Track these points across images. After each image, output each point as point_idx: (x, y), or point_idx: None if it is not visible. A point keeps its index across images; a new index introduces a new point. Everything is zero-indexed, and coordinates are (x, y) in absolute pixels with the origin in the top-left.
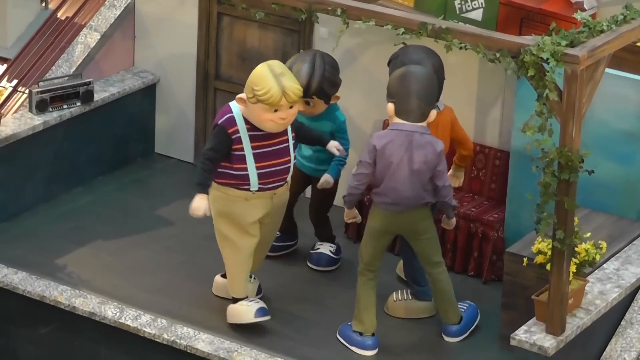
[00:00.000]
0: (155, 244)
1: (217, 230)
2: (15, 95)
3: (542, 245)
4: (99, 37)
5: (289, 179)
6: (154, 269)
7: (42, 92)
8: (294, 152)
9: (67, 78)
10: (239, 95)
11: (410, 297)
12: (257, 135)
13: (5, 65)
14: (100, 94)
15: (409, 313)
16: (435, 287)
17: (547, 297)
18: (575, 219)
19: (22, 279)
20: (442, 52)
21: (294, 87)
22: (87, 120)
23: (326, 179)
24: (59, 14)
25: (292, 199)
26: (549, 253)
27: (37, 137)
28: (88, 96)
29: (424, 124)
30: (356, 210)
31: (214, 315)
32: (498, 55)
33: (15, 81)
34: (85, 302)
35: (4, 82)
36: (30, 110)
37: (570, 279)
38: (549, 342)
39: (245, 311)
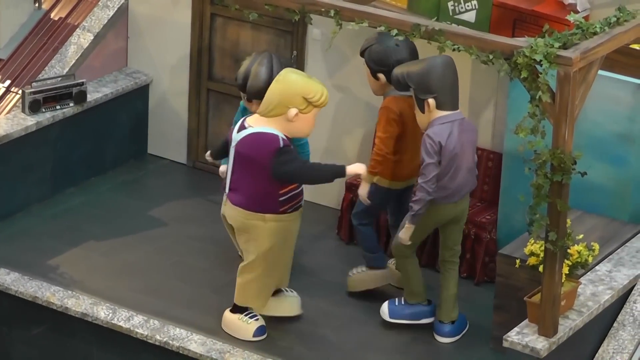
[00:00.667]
0: (148, 245)
1: (260, 258)
2: (8, 96)
3: (535, 247)
4: (92, 38)
5: None
6: (146, 269)
7: (35, 93)
8: None
9: (60, 78)
10: (289, 116)
11: (364, 269)
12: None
13: None
14: (93, 95)
15: (366, 284)
16: (445, 276)
17: (540, 298)
18: (568, 220)
19: (15, 279)
20: (435, 54)
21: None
22: (80, 121)
23: None
24: (52, 15)
25: None
26: (542, 255)
27: (30, 138)
28: (81, 97)
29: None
30: None
31: (207, 317)
32: (491, 57)
33: (8, 82)
34: (78, 303)
35: None
36: (23, 110)
37: (562, 280)
38: (541, 344)
39: (245, 328)
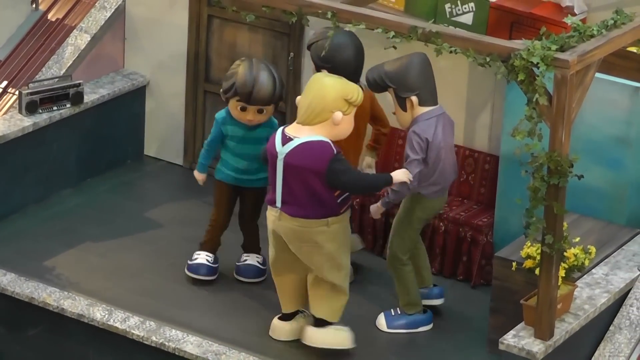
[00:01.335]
0: (144, 246)
1: (337, 265)
2: (5, 97)
3: (531, 249)
4: (89, 39)
5: None
6: (143, 271)
7: (32, 94)
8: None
9: (57, 80)
10: (336, 120)
11: None
12: None
13: None
14: (90, 96)
15: None
16: (417, 252)
17: (536, 301)
18: (565, 223)
19: (11, 280)
20: (432, 56)
21: None
22: (77, 122)
23: None
24: (49, 16)
25: (228, 217)
26: (538, 258)
27: (27, 139)
28: (78, 98)
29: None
30: None
31: (203, 318)
32: (488, 59)
33: (4, 82)
34: (74, 304)
35: None
36: (20, 111)
37: (559, 283)
38: (537, 347)
39: (343, 337)
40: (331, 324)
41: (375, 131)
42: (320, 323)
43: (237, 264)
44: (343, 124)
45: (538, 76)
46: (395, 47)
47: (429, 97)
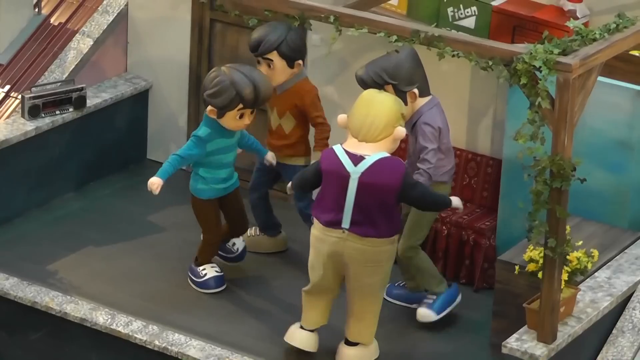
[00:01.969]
0: (146, 251)
1: (381, 285)
2: (8, 101)
3: (534, 253)
4: (91, 43)
5: None
6: (145, 275)
7: (34, 98)
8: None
9: (59, 84)
10: (400, 135)
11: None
12: None
13: None
14: (93, 100)
15: (264, 248)
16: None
17: (539, 305)
18: (567, 227)
19: (14, 284)
20: (434, 60)
21: None
22: (80, 126)
23: (271, 156)
24: (52, 20)
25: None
26: (541, 261)
27: (29, 143)
28: (80, 102)
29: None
30: None
31: (206, 322)
32: (490, 63)
33: (7, 87)
34: (77, 308)
35: None
36: (23, 115)
37: (561, 287)
38: (540, 351)
39: (373, 347)
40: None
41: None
42: (351, 343)
43: (229, 255)
44: (397, 140)
45: (540, 80)
46: (397, 51)
47: (426, 87)
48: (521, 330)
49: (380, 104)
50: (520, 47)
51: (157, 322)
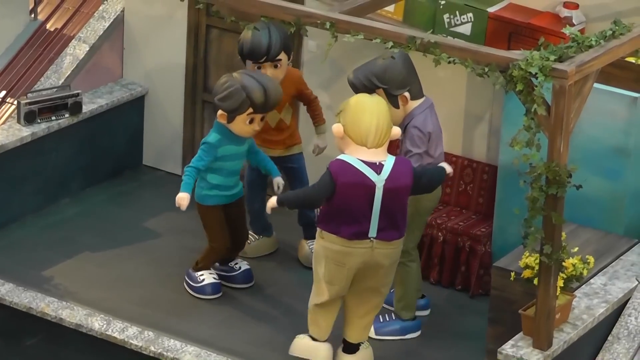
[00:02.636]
0: (142, 256)
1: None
2: (4, 107)
3: (530, 259)
4: (87, 49)
5: None
6: (141, 281)
7: (30, 104)
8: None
9: (55, 89)
10: (396, 134)
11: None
12: None
13: None
14: (89, 106)
15: (261, 251)
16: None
17: (534, 311)
18: (563, 233)
19: (9, 290)
20: (430, 66)
21: None
22: (76, 132)
23: (279, 181)
24: (47, 26)
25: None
26: (537, 268)
27: (25, 149)
28: (76, 108)
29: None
30: None
31: (201, 328)
32: (486, 69)
33: (3, 92)
34: (72, 314)
35: None
36: (19, 121)
37: (557, 293)
38: (535, 357)
39: (371, 353)
40: (359, 345)
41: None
42: (352, 348)
43: (232, 273)
44: None
45: (536, 86)
46: (393, 57)
47: (419, 90)
48: (517, 336)
49: (378, 108)
50: (516, 54)
51: (153, 328)
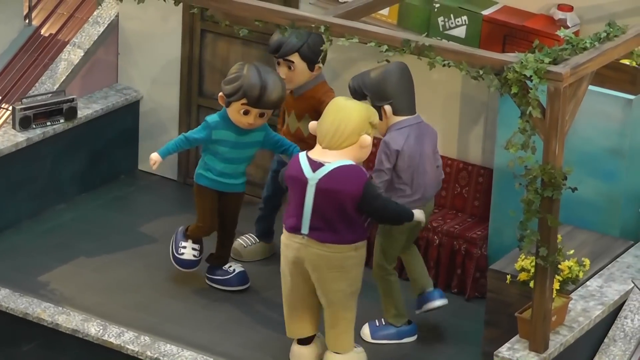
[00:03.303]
0: (138, 261)
1: (356, 290)
2: None
3: (526, 262)
4: (82, 54)
5: None
6: (137, 286)
7: (25, 109)
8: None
9: (50, 95)
10: (365, 143)
11: (257, 241)
12: None
13: None
14: (84, 111)
15: (258, 255)
16: (409, 260)
17: (531, 314)
18: (559, 236)
19: (5, 295)
20: (425, 70)
21: None
22: (71, 137)
23: None
24: (42, 31)
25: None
26: (532, 270)
27: (20, 154)
28: (71, 113)
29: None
30: None
31: (198, 333)
32: (481, 72)
33: None
34: (69, 319)
35: None
36: (14, 127)
37: (553, 296)
38: None
39: (364, 358)
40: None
41: None
42: (306, 340)
43: (227, 276)
44: (366, 149)
45: (531, 89)
46: (388, 61)
47: (404, 106)
48: (513, 339)
49: (346, 111)
50: (510, 57)
51: (149, 333)
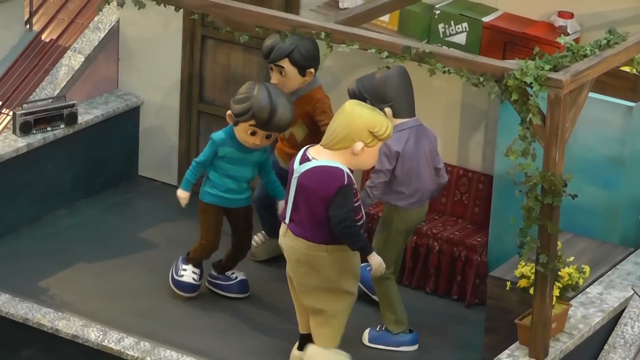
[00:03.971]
0: (138, 267)
1: (338, 291)
2: None
3: (526, 269)
4: (83, 60)
5: None
6: (137, 291)
7: (25, 114)
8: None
9: (51, 100)
10: (355, 150)
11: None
12: None
13: None
14: (84, 117)
15: (270, 252)
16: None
17: (530, 321)
18: (559, 243)
19: (5, 301)
20: (425, 76)
21: None
22: (71, 143)
23: (282, 206)
24: (43, 36)
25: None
26: (532, 277)
27: (21, 159)
28: (72, 118)
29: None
30: None
31: (198, 338)
32: (481, 79)
33: None
34: (69, 325)
35: None
36: (14, 132)
37: (553, 303)
38: None
39: (344, 356)
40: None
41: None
42: (302, 342)
43: (228, 282)
44: (364, 155)
45: (532, 96)
46: (388, 67)
47: (404, 109)
48: (513, 346)
49: (346, 115)
50: (511, 63)
51: (149, 339)
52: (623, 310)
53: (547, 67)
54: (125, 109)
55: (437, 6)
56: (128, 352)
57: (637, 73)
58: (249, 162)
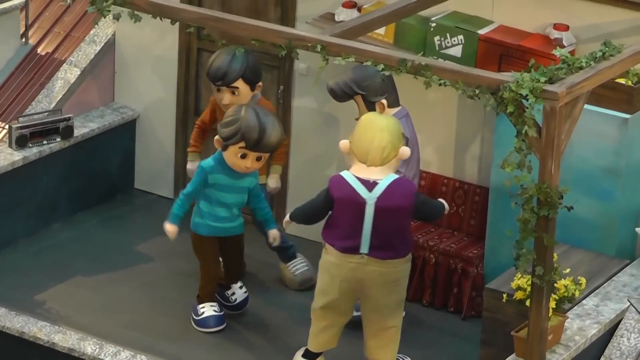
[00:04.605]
0: (134, 280)
1: (401, 300)
2: None
3: (522, 281)
4: (79, 73)
5: None
6: (133, 305)
7: (21, 128)
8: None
9: (47, 113)
10: (404, 155)
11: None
12: None
13: None
14: (80, 130)
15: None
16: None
17: (527, 333)
18: (555, 255)
19: (1, 314)
20: (421, 89)
21: None
22: (67, 156)
23: (275, 235)
24: (39, 50)
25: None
26: (529, 289)
27: (17, 173)
28: (68, 132)
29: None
30: None
31: (194, 351)
32: (477, 91)
33: None
34: (65, 338)
35: None
36: (10, 145)
37: (549, 315)
38: None
39: None
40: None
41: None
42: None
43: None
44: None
45: (527, 108)
46: (383, 80)
47: (394, 98)
48: (509, 358)
49: (386, 129)
50: (506, 76)
51: (146, 352)
52: (619, 322)
53: (542, 79)
54: (122, 122)
55: (432, 19)
56: None
57: (633, 85)
58: (240, 188)
